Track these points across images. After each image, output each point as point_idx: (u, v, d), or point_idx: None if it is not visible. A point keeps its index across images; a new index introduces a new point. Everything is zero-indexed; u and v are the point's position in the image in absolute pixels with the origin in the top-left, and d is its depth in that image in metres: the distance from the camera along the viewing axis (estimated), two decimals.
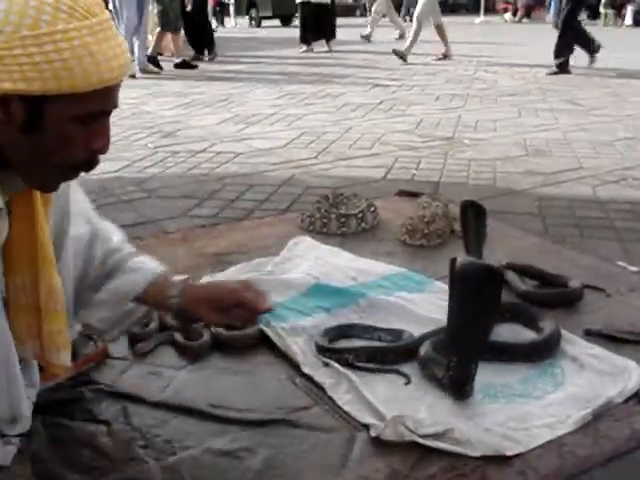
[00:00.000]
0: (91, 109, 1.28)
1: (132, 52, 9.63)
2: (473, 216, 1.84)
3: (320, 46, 13.64)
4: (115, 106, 1.35)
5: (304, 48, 13.60)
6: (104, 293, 1.73)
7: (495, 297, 1.72)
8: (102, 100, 1.29)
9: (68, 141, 1.30)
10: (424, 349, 1.89)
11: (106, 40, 1.25)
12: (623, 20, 25.05)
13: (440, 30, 11.66)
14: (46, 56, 1.19)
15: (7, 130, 1.26)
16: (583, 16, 27.64)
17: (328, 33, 13.72)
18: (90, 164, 1.37)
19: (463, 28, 22.38)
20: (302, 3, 13.52)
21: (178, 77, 9.54)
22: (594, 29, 23.05)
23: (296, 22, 17.80)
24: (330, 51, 13.48)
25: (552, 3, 29.40)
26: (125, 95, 7.67)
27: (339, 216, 2.98)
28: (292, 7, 22.00)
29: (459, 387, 1.74)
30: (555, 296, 2.33)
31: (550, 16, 28.79)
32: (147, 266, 1.77)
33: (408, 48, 11.17)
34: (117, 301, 1.74)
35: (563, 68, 9.73)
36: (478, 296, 1.68)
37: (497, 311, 1.80)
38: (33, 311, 1.52)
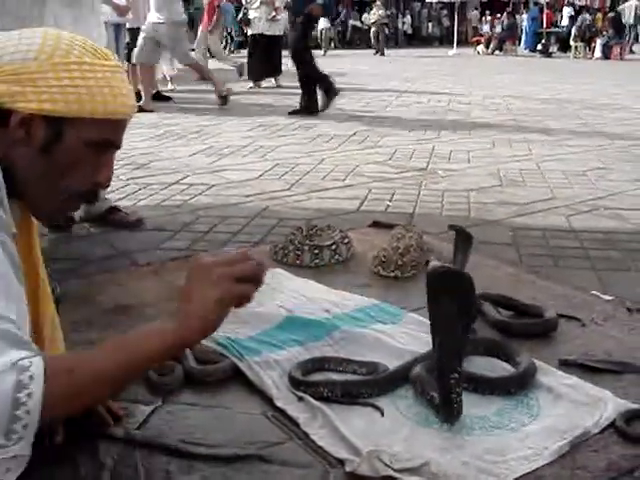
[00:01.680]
0: (104, 137, 1.41)
1: None
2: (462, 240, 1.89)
3: (266, 81, 12.55)
4: (121, 143, 1.48)
5: (250, 85, 12.33)
6: None
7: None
8: (114, 131, 1.43)
9: (79, 165, 1.41)
10: (416, 370, 1.89)
11: (122, 80, 1.43)
12: (593, 53, 25.50)
13: (196, 68, 10.07)
14: (73, 81, 1.34)
15: (25, 149, 1.36)
16: (554, 48, 28.28)
17: (277, 69, 12.39)
18: (92, 195, 1.50)
19: (437, 60, 22.64)
20: (254, 35, 12.09)
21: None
22: (565, 61, 23.48)
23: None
24: (279, 86, 12.34)
25: (523, 36, 29.99)
26: None
27: (312, 248, 2.96)
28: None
29: (458, 407, 1.74)
30: (530, 326, 2.32)
31: (522, 48, 29.30)
32: None
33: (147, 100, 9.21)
34: None
35: (310, 107, 8.66)
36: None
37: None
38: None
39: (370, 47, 28.97)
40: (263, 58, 11.97)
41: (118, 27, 9.34)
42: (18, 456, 1.20)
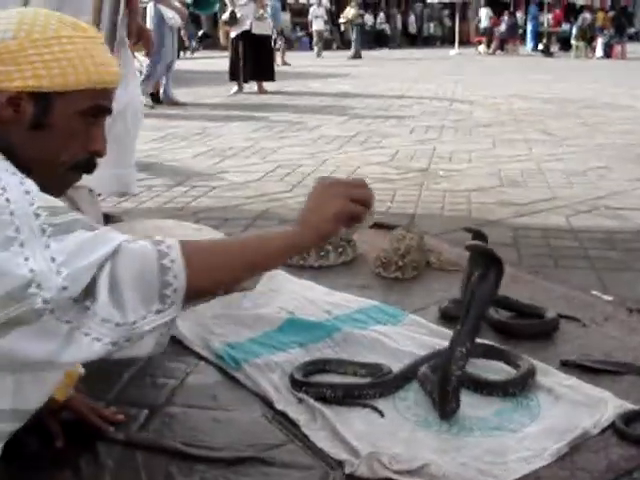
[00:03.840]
0: (92, 103, 1.42)
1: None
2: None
3: (250, 88, 11.96)
4: (111, 106, 1.49)
5: (235, 89, 11.78)
6: None
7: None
8: (102, 97, 1.45)
9: (72, 136, 1.43)
10: (423, 370, 1.92)
11: (103, 51, 1.45)
12: (594, 52, 25.49)
13: None
14: (54, 55, 1.36)
15: (17, 129, 1.38)
16: (555, 48, 28.22)
17: (269, 72, 11.75)
18: (90, 166, 1.51)
19: (438, 60, 22.63)
20: (241, 35, 11.40)
21: (152, 111, 9.54)
22: (566, 61, 23.46)
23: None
24: (263, 93, 11.76)
25: (529, 35, 29.94)
26: None
27: (318, 249, 2.96)
28: None
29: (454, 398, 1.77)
30: (531, 327, 2.32)
31: (527, 48, 29.25)
32: None
33: None
34: None
35: None
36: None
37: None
38: None
39: (371, 47, 28.88)
40: (250, 59, 11.38)
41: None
42: (169, 322, 1.32)
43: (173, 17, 9.31)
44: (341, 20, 27.65)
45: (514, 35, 29.47)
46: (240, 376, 2.00)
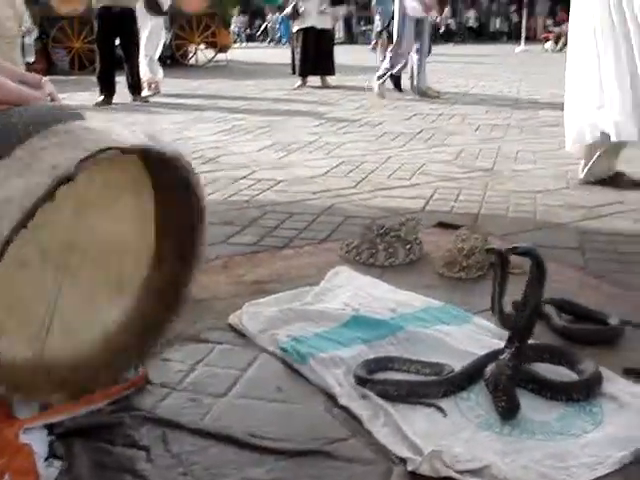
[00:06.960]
0: None
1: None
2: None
3: (313, 81, 12.25)
4: None
5: (299, 83, 12.07)
6: None
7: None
8: None
9: None
10: (489, 368, 1.91)
11: None
12: None
13: None
14: None
15: None
16: None
17: (329, 66, 12.11)
18: None
19: (503, 57, 22.36)
20: (304, 29, 11.91)
21: (218, 104, 9.66)
22: None
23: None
24: (326, 87, 11.93)
25: None
26: (169, 120, 7.82)
27: (387, 247, 2.99)
28: None
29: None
30: (594, 333, 2.31)
31: None
32: None
33: None
34: None
35: None
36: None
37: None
38: None
39: (436, 42, 28.61)
40: (313, 53, 11.80)
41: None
42: None
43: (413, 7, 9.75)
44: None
45: None
46: (305, 370, 2.05)
